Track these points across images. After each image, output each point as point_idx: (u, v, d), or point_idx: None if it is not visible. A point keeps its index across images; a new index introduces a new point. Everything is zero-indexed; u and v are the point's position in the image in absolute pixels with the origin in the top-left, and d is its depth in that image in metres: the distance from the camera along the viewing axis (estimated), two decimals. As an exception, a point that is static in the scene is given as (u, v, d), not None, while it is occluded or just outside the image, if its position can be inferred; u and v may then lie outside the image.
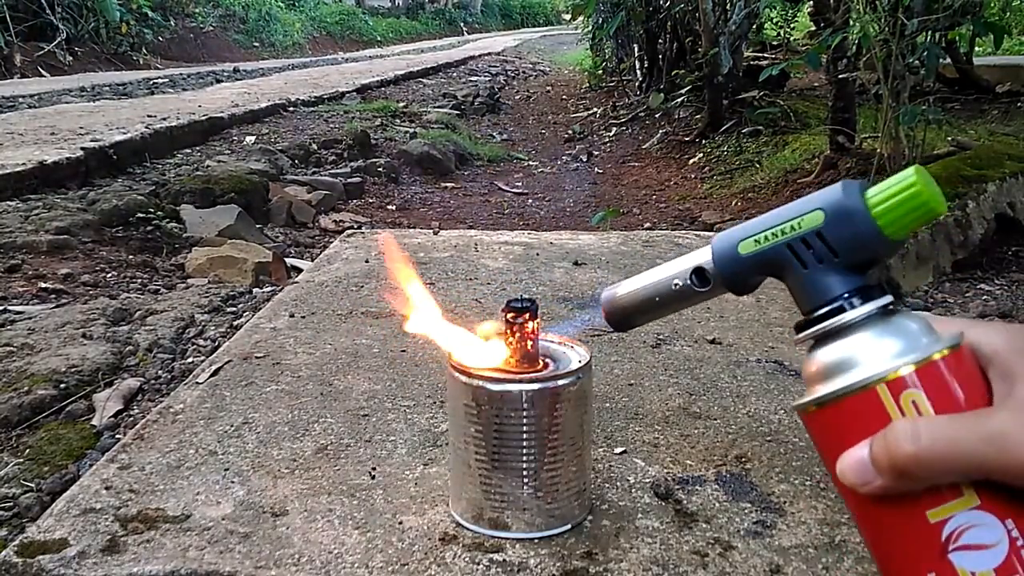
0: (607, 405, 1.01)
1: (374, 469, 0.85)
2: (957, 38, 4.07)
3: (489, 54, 11.86)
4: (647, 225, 2.92)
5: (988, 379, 0.37)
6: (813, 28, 4.37)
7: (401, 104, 5.55)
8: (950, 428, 0.35)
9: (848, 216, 0.39)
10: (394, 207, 3.23)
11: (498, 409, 0.70)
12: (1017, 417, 0.34)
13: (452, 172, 3.97)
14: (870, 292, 0.40)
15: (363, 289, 1.48)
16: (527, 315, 0.69)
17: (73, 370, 1.32)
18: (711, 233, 2.02)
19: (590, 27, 7.10)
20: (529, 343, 0.71)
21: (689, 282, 0.44)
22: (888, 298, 0.39)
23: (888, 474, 0.35)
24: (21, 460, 1.07)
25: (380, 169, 3.66)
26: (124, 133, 3.38)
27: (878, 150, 2.72)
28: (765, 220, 0.42)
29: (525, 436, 0.70)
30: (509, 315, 0.69)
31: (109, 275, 1.96)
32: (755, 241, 0.42)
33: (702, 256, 0.44)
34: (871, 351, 0.38)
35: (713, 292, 0.45)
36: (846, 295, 0.40)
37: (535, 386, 0.70)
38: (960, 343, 0.38)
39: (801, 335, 0.41)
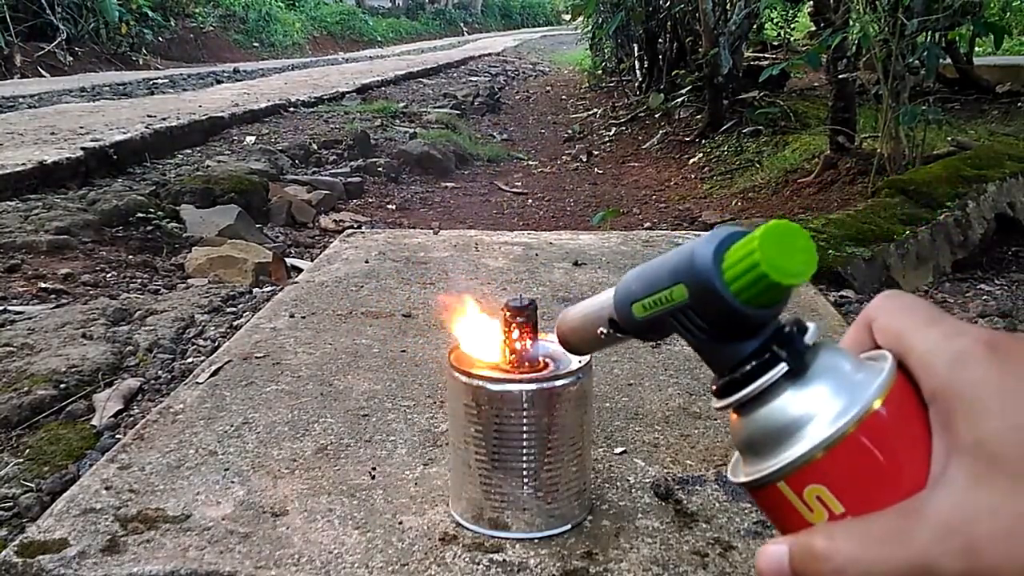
0: (607, 405, 1.01)
1: (374, 469, 0.85)
2: (957, 38, 4.08)
3: (489, 54, 11.86)
4: (647, 225, 2.92)
5: (928, 418, 0.31)
6: (813, 28, 4.38)
7: (401, 104, 5.55)
8: (872, 555, 0.30)
9: (705, 293, 0.34)
10: (394, 207, 3.23)
11: (498, 409, 0.70)
12: (941, 539, 0.28)
13: (452, 172, 3.97)
14: (770, 357, 0.34)
15: (363, 289, 1.48)
16: (526, 314, 0.69)
17: (73, 370, 1.32)
18: (711, 233, 2.02)
19: (590, 27, 7.11)
20: (528, 343, 0.71)
21: (609, 331, 0.43)
22: (782, 367, 0.34)
23: None
24: (21, 460, 1.07)
25: (380, 169, 3.66)
26: (124, 133, 3.38)
27: (878, 150, 2.72)
28: (649, 280, 0.38)
29: (525, 436, 0.70)
30: (508, 314, 0.69)
31: (109, 275, 1.96)
32: (643, 307, 0.38)
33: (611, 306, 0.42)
34: (770, 438, 0.33)
35: (632, 337, 0.42)
36: (740, 365, 0.35)
37: (535, 386, 0.70)
38: (881, 397, 0.31)
39: (714, 406, 0.37)
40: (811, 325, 0.35)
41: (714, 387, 0.36)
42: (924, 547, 0.29)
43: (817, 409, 0.32)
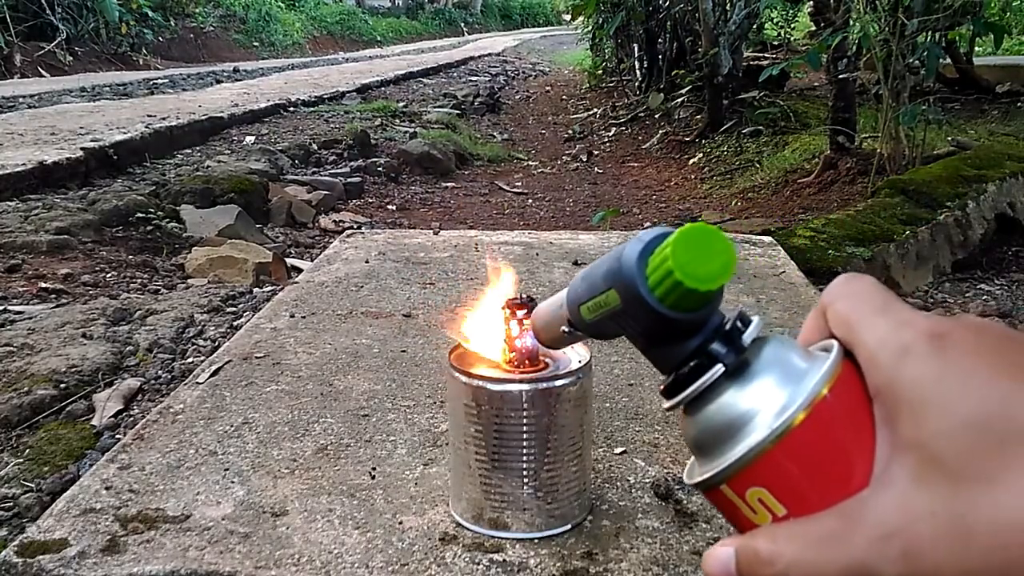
0: (607, 405, 1.01)
1: (374, 469, 0.85)
2: (957, 38, 4.08)
3: (489, 54, 11.86)
4: (647, 225, 2.92)
5: (873, 414, 0.30)
6: (813, 28, 4.38)
7: (401, 104, 5.55)
8: (813, 558, 0.29)
9: (632, 299, 0.34)
10: (394, 207, 3.23)
11: (498, 409, 0.70)
12: (880, 542, 0.28)
13: (452, 172, 3.97)
14: (708, 357, 0.34)
15: (363, 289, 1.48)
16: (526, 312, 0.69)
17: (73, 370, 1.32)
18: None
19: (590, 27, 7.11)
20: (528, 340, 0.71)
21: (571, 329, 0.43)
22: (719, 368, 0.33)
23: None
24: (21, 460, 1.07)
25: (380, 169, 3.66)
26: (124, 133, 3.39)
27: (878, 150, 2.72)
28: (589, 283, 0.38)
29: (525, 436, 0.70)
30: (508, 312, 0.69)
31: (109, 275, 1.96)
32: (588, 309, 0.39)
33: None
34: (713, 438, 0.33)
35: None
36: (682, 365, 0.34)
37: (535, 386, 0.70)
38: (826, 386, 0.30)
39: (664, 407, 0.37)
40: (755, 319, 0.34)
41: (662, 387, 0.36)
42: (863, 550, 0.28)
43: (757, 407, 0.32)
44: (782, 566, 0.30)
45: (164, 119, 3.89)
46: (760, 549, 0.31)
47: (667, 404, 0.35)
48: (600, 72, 7.43)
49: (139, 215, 2.35)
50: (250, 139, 3.91)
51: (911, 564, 0.27)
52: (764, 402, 0.32)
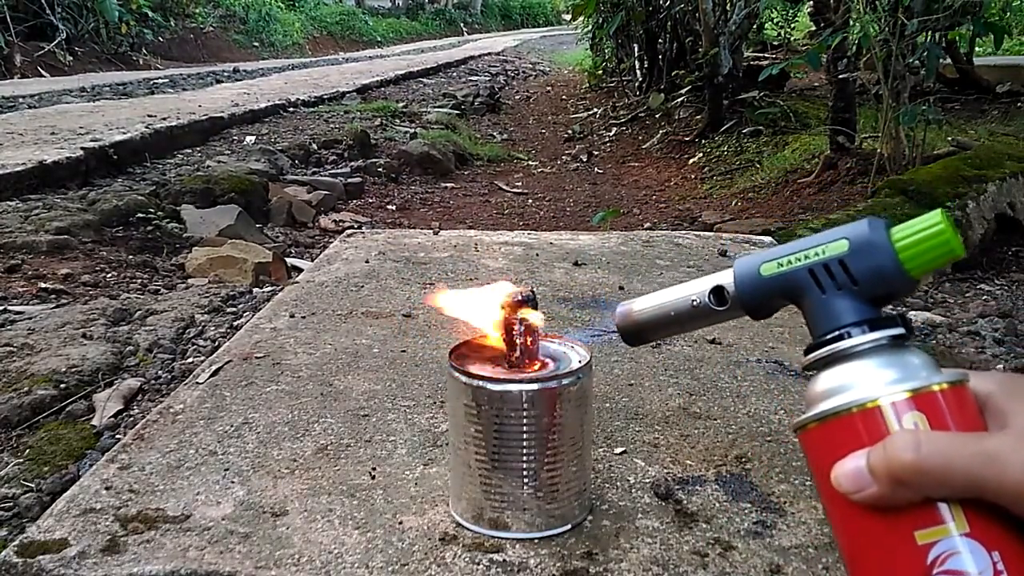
0: (607, 405, 1.01)
1: (374, 469, 0.85)
2: (957, 38, 4.08)
3: (489, 54, 11.86)
4: (647, 225, 2.92)
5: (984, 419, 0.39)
6: (813, 28, 4.38)
7: (401, 104, 5.55)
8: (948, 443, 0.36)
9: (872, 248, 0.40)
10: (394, 207, 3.23)
11: (498, 409, 0.70)
12: (1011, 442, 0.35)
13: (452, 172, 3.97)
14: (882, 322, 0.40)
15: (363, 289, 1.48)
16: (526, 309, 0.69)
17: (73, 370, 1.32)
18: (711, 233, 2.02)
19: (590, 27, 7.11)
20: (529, 339, 0.71)
21: (707, 300, 0.45)
22: (899, 329, 0.40)
23: (884, 482, 0.36)
24: (21, 460, 1.07)
25: (380, 169, 3.66)
26: (124, 133, 3.39)
27: (878, 150, 2.72)
28: (791, 246, 0.43)
29: (525, 436, 0.70)
30: (508, 310, 0.69)
31: (109, 275, 1.96)
32: (778, 264, 0.43)
33: (723, 276, 0.45)
34: (878, 375, 0.39)
35: (730, 313, 0.45)
36: (858, 323, 0.40)
37: (535, 386, 0.70)
38: (964, 380, 0.39)
39: (810, 357, 0.42)
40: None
41: (810, 345, 0.42)
42: (998, 444, 0.35)
43: (924, 365, 0.39)
44: (912, 443, 0.36)
45: (164, 119, 3.89)
46: (899, 436, 0.37)
47: (821, 351, 0.41)
48: (600, 72, 7.43)
49: (139, 215, 2.35)
50: (250, 139, 3.91)
51: None
52: (931, 364, 0.40)
